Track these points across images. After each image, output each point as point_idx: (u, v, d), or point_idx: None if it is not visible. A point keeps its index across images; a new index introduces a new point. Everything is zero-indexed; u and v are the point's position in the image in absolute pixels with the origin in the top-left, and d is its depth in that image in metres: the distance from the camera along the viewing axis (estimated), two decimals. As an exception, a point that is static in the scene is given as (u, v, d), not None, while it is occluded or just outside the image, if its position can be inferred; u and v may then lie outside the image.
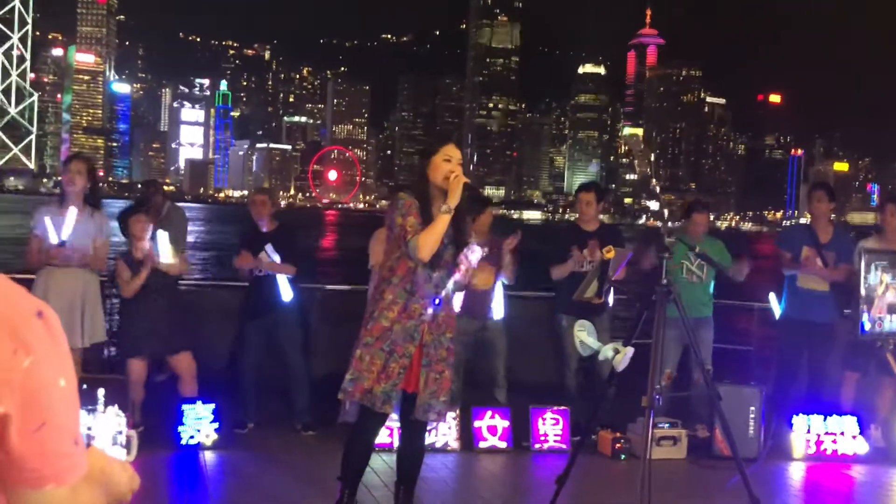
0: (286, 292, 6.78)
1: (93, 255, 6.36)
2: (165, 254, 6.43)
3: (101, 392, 5.41)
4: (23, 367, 1.01)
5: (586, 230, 7.04)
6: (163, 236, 6.48)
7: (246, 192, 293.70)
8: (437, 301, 4.18)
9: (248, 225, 7.09)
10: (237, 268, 6.92)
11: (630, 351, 3.99)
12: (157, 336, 6.35)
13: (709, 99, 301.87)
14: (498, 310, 7.02)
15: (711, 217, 8.70)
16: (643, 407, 3.90)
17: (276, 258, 6.74)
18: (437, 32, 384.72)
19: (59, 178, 6.59)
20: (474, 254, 4.17)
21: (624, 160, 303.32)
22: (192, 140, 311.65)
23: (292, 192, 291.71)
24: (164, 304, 6.41)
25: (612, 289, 6.67)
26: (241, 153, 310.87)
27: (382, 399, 4.18)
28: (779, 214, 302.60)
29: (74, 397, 1.09)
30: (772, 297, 7.72)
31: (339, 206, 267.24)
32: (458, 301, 6.68)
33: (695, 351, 4.51)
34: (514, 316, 7.34)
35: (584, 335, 4.16)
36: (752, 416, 6.59)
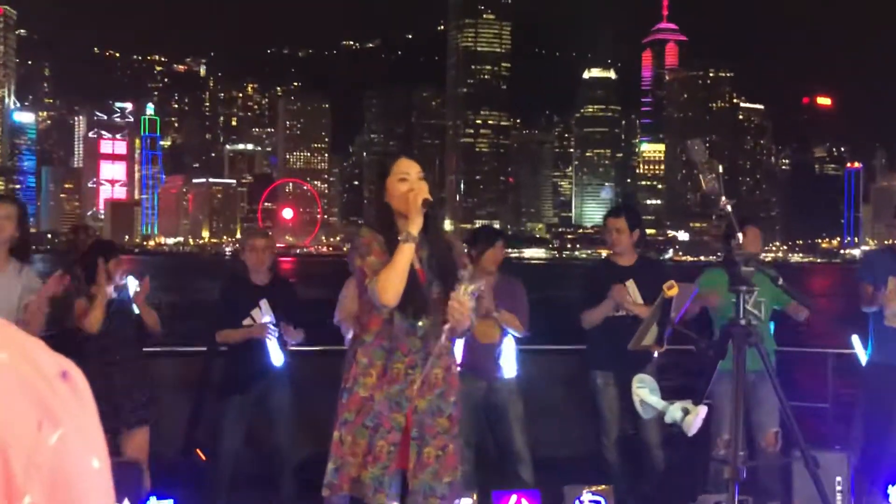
0: (276, 357, 6.72)
1: (28, 317, 6.20)
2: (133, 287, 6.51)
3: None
4: (50, 445, 0.96)
5: (621, 265, 7.01)
6: (132, 281, 6.51)
7: (181, 239, 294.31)
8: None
9: (230, 279, 7.07)
10: (221, 342, 6.82)
11: (703, 410, 3.93)
12: (117, 407, 6.22)
13: (743, 105, 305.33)
14: (509, 367, 6.87)
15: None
16: (726, 479, 3.85)
17: (269, 318, 6.67)
18: (410, 36, 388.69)
19: None
20: (467, 292, 3.89)
21: (642, 182, 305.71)
22: (112, 177, 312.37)
23: (238, 235, 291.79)
24: (127, 365, 6.33)
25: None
26: (173, 191, 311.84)
27: (374, 487, 4.09)
28: (835, 242, 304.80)
29: (109, 482, 1.06)
30: (855, 339, 7.71)
31: (298, 250, 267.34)
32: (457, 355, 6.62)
33: (784, 409, 4.41)
34: (533, 374, 7.28)
35: (646, 393, 4.11)
36: (838, 487, 6.54)
